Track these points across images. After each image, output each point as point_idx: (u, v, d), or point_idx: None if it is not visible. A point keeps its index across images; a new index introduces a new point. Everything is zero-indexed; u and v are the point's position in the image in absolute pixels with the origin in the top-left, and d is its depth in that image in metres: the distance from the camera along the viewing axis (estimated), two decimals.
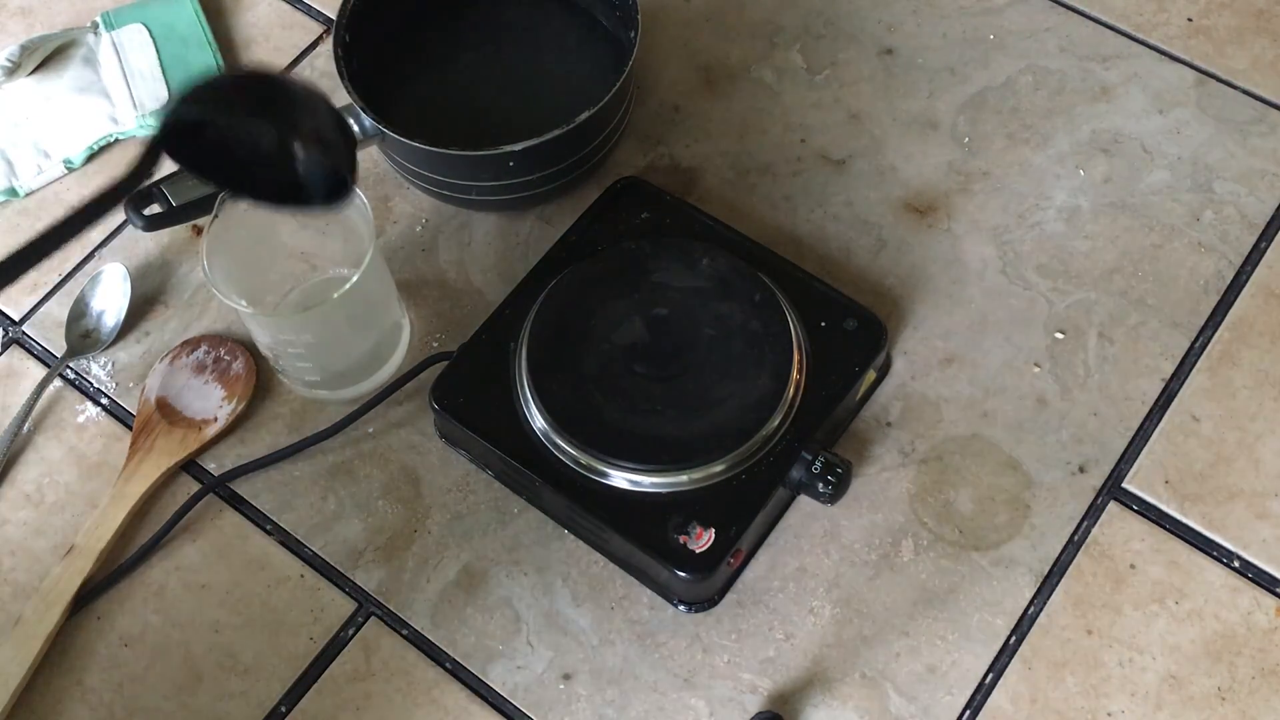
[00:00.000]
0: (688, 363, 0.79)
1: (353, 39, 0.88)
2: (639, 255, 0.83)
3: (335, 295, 0.77)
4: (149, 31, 1.00)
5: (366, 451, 0.85)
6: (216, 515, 0.83)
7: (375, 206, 0.88)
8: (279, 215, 0.81)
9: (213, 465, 0.85)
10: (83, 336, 0.90)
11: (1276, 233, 0.89)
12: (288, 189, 0.69)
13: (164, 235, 0.93)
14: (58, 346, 0.90)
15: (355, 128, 0.84)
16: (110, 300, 0.90)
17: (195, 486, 0.84)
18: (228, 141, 0.68)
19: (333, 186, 0.70)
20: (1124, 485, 0.81)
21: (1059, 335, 0.86)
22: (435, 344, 0.88)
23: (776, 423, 0.77)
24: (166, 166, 0.67)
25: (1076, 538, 0.79)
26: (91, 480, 0.85)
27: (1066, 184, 0.91)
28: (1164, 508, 0.80)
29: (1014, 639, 0.77)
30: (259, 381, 0.87)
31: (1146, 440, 0.82)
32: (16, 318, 0.92)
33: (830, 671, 0.76)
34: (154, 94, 0.97)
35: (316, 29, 1.03)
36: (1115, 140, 0.93)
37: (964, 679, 0.76)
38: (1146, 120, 0.93)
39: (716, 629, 0.78)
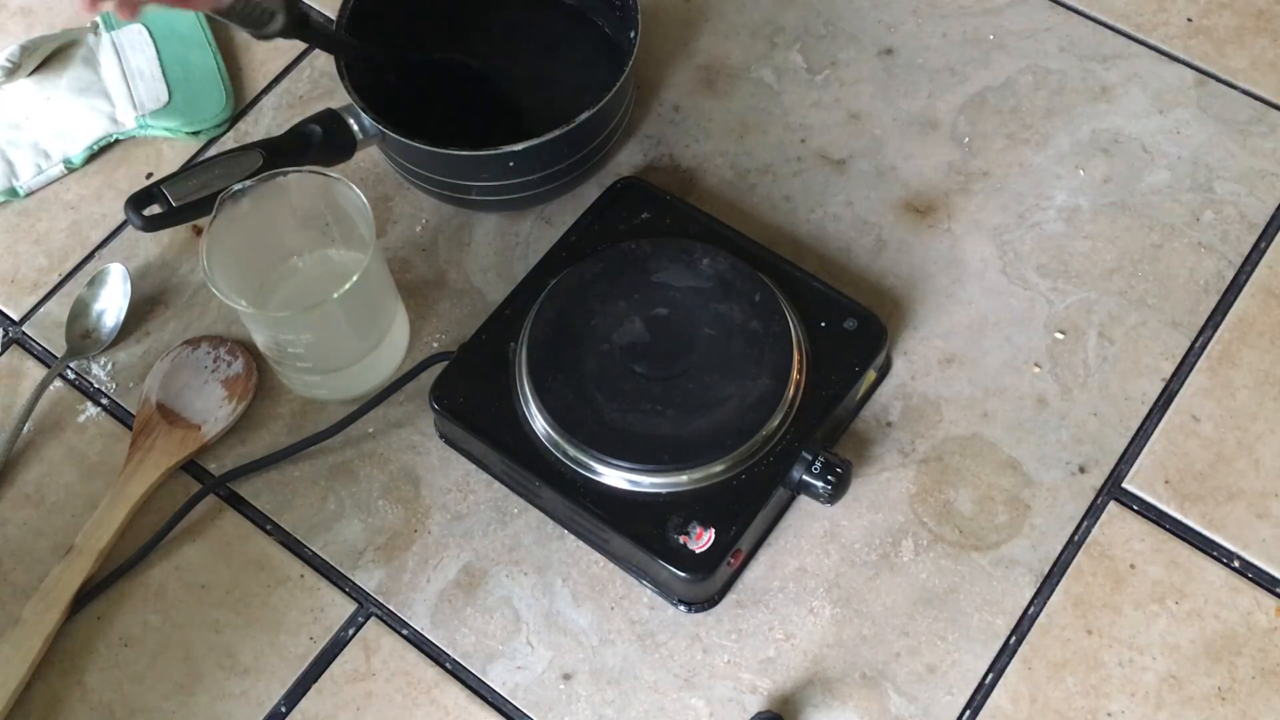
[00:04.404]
0: (688, 363, 0.79)
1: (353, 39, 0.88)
2: (639, 255, 0.83)
3: (335, 295, 0.77)
4: (149, 31, 1.00)
5: (366, 451, 0.85)
6: (216, 515, 0.83)
7: (375, 206, 0.88)
8: (278, 215, 0.81)
9: (213, 465, 0.85)
10: (83, 336, 0.90)
11: (1276, 233, 0.89)
12: None
13: (164, 235, 0.93)
14: (58, 346, 0.90)
15: (355, 127, 0.85)
16: (110, 300, 0.90)
17: (195, 486, 0.84)
18: None
19: None
20: (1124, 485, 0.81)
21: (1059, 335, 0.86)
22: (435, 344, 0.88)
23: (776, 423, 0.77)
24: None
25: (1076, 538, 0.79)
26: (91, 480, 0.85)
27: (1066, 184, 0.91)
28: (1164, 508, 0.80)
29: (1014, 639, 0.77)
30: (259, 381, 0.87)
31: (1146, 440, 0.82)
32: (16, 318, 0.92)
33: (830, 671, 0.76)
34: (154, 94, 0.97)
35: None
36: (1115, 140, 0.93)
37: (964, 679, 0.76)
38: (1146, 120, 0.93)
39: (716, 629, 0.78)
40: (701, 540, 0.75)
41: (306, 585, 0.81)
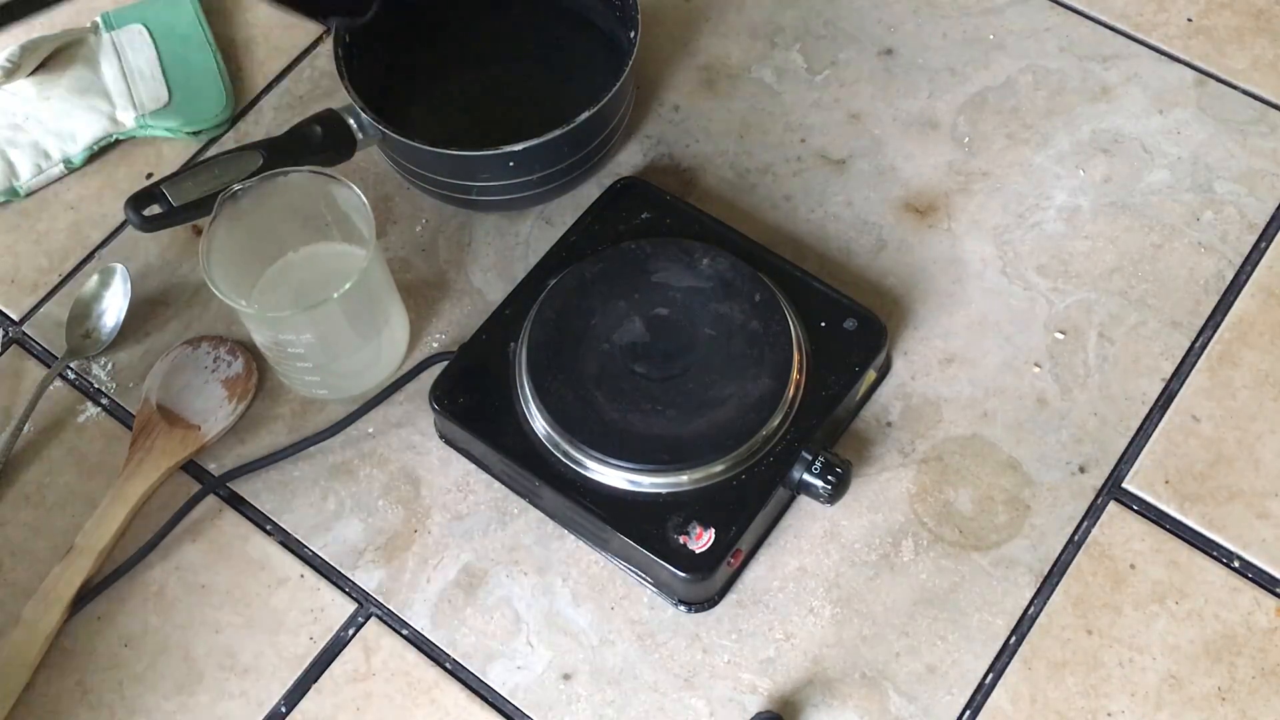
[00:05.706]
0: (688, 363, 0.79)
1: (353, 39, 0.88)
2: (639, 255, 0.83)
3: (335, 295, 0.77)
4: (149, 31, 1.00)
5: (366, 451, 0.85)
6: (216, 515, 0.83)
7: (375, 206, 0.88)
8: (278, 215, 0.81)
9: (213, 465, 0.85)
10: (83, 336, 0.90)
11: (1276, 233, 0.89)
12: None
13: (164, 235, 0.93)
14: (58, 346, 0.90)
15: (355, 127, 0.85)
16: (110, 300, 0.90)
17: (195, 486, 0.84)
18: None
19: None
20: (1124, 485, 0.81)
21: (1059, 335, 0.86)
22: (435, 344, 0.88)
23: (776, 423, 0.77)
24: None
25: (1076, 538, 0.79)
26: (91, 480, 0.85)
27: (1066, 184, 0.91)
28: (1164, 508, 0.80)
29: (1014, 639, 0.77)
30: (259, 381, 0.87)
31: (1146, 440, 0.82)
32: (16, 318, 0.92)
33: (830, 671, 0.76)
34: (154, 94, 0.97)
35: (316, 29, 1.03)
36: (1115, 140, 0.93)
37: (964, 679, 0.76)
38: (1146, 120, 0.93)
39: (716, 629, 0.78)
40: (701, 540, 0.75)
41: (306, 585, 0.81)
